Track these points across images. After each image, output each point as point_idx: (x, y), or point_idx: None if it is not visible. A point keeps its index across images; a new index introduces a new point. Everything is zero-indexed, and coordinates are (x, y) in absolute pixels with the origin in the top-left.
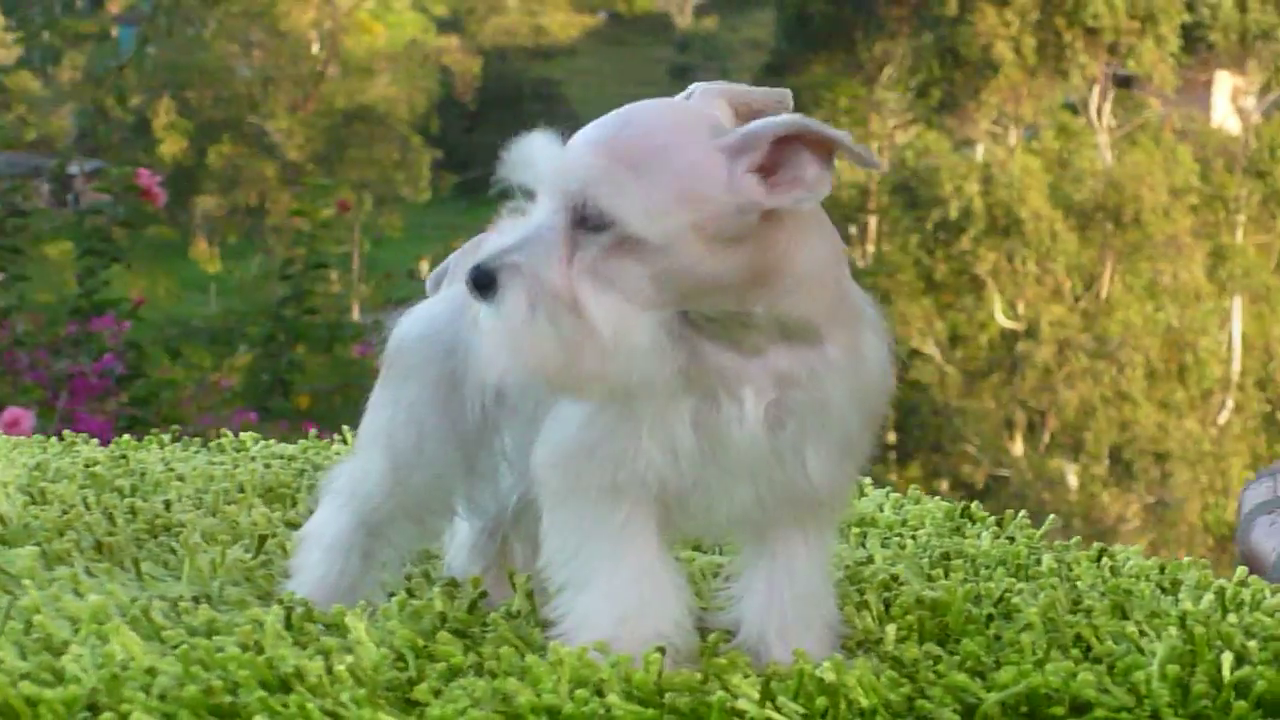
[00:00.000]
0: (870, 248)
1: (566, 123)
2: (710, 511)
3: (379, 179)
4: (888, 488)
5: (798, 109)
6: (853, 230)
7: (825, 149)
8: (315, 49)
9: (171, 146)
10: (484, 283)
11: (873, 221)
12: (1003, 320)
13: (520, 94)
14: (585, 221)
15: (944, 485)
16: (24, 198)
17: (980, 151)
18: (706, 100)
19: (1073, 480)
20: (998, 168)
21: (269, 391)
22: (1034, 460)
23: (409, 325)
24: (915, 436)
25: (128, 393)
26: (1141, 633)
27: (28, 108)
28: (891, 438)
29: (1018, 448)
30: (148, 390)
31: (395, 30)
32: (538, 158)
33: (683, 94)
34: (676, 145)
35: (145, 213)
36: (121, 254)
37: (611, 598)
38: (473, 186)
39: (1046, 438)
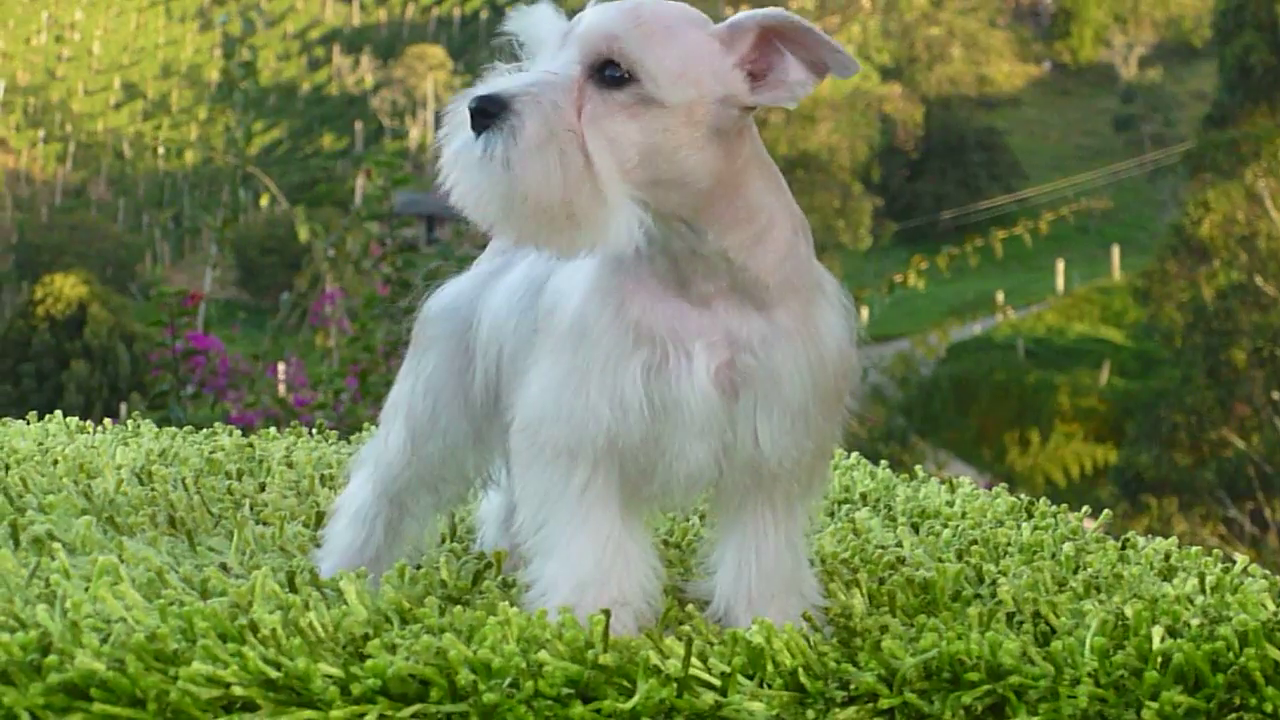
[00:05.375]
0: None
1: (1010, 172)
2: (669, 471)
3: (819, 226)
4: (964, 483)
5: (1238, 159)
6: None
7: (813, 58)
8: None
9: None
10: (493, 110)
11: None
12: None
13: (963, 143)
14: (604, 75)
15: None
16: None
17: None
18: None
19: None
20: None
21: None
22: None
23: (435, 300)
24: None
25: None
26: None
27: None
28: None
29: None
30: None
31: (838, 78)
32: (544, 22)
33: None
34: (683, 27)
35: None
36: None
37: (570, 564)
38: (914, 235)
39: None
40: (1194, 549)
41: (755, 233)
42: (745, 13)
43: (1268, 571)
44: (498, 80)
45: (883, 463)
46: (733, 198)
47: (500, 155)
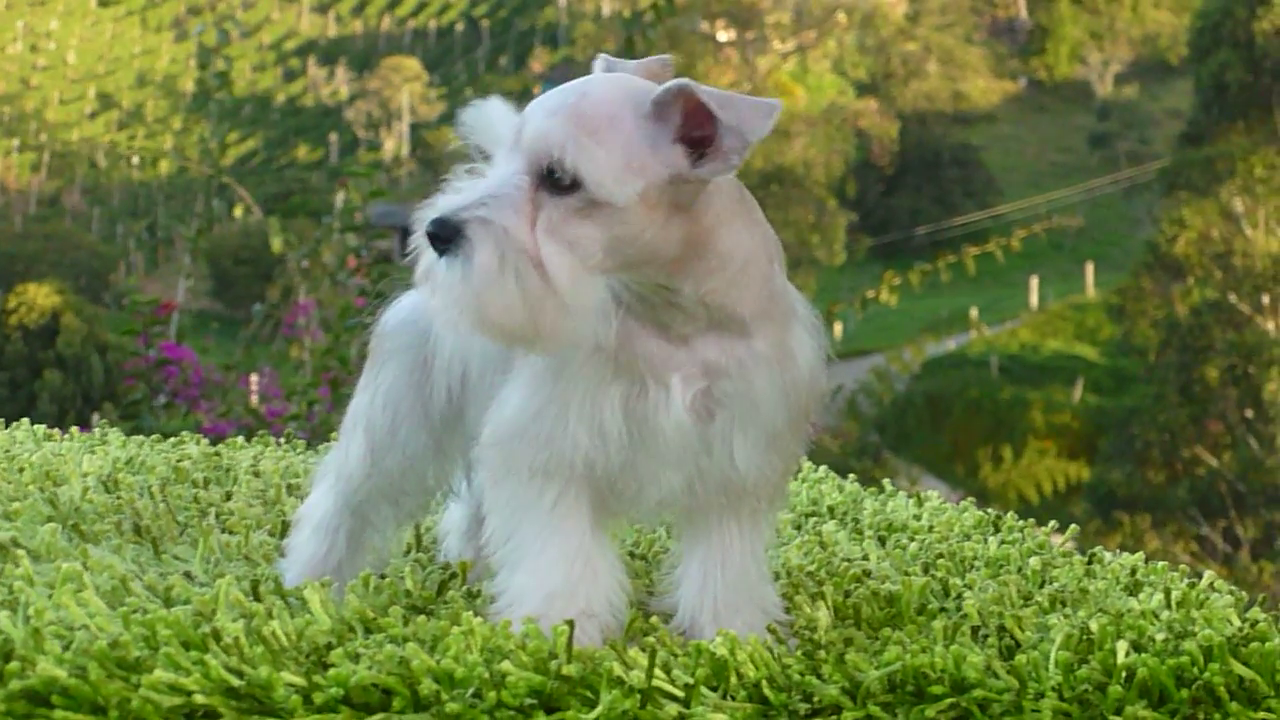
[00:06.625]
0: None
1: (986, 188)
2: (641, 494)
3: (794, 241)
4: (932, 496)
5: (1214, 177)
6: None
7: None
8: None
9: None
10: (447, 235)
11: None
12: None
13: (939, 158)
14: (552, 183)
15: None
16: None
17: None
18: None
19: None
20: None
21: None
22: None
23: (392, 313)
24: None
25: None
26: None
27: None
28: None
29: None
30: None
31: (814, 93)
32: (497, 120)
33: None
34: (622, 116)
35: None
36: None
37: (540, 576)
38: (889, 250)
39: None
40: (1160, 564)
41: (730, 276)
42: (662, 85)
43: (1233, 587)
44: (451, 197)
45: (851, 476)
46: (705, 253)
47: (460, 282)
